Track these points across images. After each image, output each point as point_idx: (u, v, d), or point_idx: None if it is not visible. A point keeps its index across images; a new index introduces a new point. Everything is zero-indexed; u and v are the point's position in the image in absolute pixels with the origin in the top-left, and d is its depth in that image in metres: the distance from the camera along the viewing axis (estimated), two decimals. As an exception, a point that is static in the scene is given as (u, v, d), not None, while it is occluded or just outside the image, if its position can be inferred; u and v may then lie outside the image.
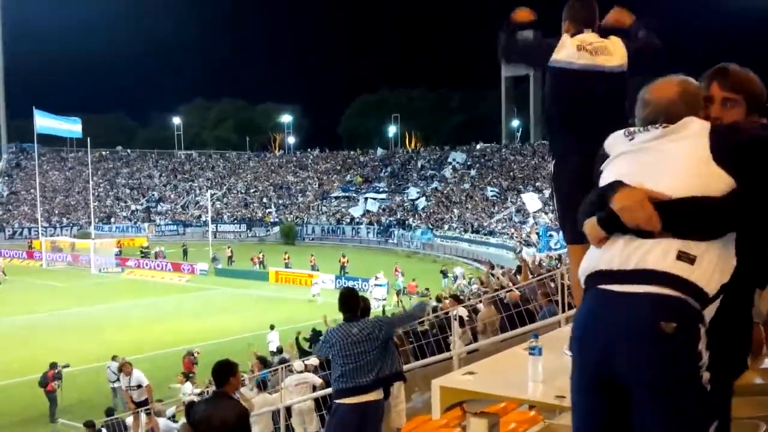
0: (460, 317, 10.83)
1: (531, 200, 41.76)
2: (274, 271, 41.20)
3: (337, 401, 6.00)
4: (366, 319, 6.22)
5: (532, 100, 75.21)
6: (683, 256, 2.06)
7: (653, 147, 2.23)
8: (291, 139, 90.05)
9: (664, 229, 2.08)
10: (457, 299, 13.67)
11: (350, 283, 36.79)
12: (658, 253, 2.08)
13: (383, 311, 23.51)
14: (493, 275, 20.55)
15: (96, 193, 64.15)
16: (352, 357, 5.93)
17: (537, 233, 39.48)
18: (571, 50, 3.67)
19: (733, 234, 2.13)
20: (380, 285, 31.72)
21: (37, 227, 57.98)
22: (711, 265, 2.08)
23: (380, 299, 29.71)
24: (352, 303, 6.11)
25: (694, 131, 2.20)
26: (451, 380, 3.65)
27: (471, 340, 10.64)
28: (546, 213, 43.65)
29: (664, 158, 2.19)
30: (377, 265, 39.53)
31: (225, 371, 5.93)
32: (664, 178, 2.14)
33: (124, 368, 14.42)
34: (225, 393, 5.88)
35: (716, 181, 2.10)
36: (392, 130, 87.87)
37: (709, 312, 2.11)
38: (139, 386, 14.09)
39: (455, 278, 32.80)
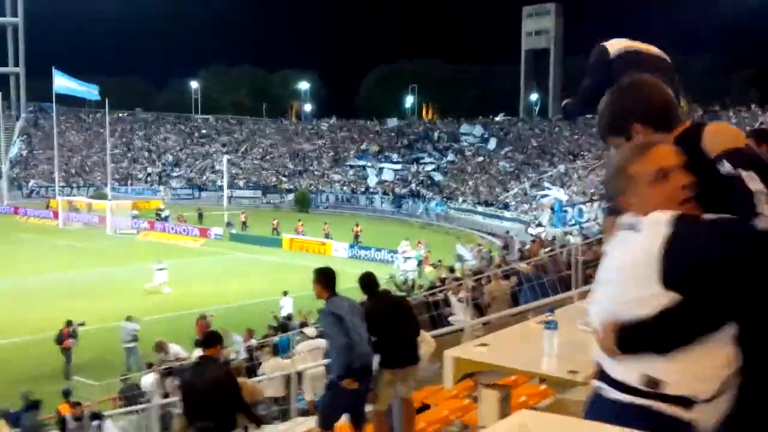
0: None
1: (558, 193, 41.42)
2: (288, 238, 41.35)
3: (341, 374, 6.05)
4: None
5: (551, 74, 74.53)
6: (646, 381, 1.89)
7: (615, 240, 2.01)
8: (308, 107, 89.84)
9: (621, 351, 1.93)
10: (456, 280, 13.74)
11: (364, 252, 36.96)
12: (624, 370, 1.94)
13: (413, 285, 23.39)
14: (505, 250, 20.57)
15: (113, 155, 64.39)
16: (353, 327, 6.03)
17: (551, 208, 39.35)
18: (623, 41, 3.74)
19: (724, 330, 1.88)
20: (409, 258, 31.59)
21: (54, 186, 58.35)
22: (687, 375, 1.87)
23: (410, 271, 29.61)
24: (335, 279, 6.32)
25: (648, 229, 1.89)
26: (464, 351, 3.67)
27: (473, 315, 10.72)
28: (563, 186, 43.40)
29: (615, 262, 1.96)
30: (391, 235, 39.59)
31: (216, 338, 6.68)
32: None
33: (161, 347, 14.32)
34: (211, 357, 6.43)
35: (657, 300, 1.85)
36: (409, 100, 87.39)
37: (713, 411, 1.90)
38: (178, 360, 14.10)
39: (459, 258, 31.90)
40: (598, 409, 2.01)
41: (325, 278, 6.28)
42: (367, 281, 6.75)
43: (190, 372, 6.54)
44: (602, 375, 2.01)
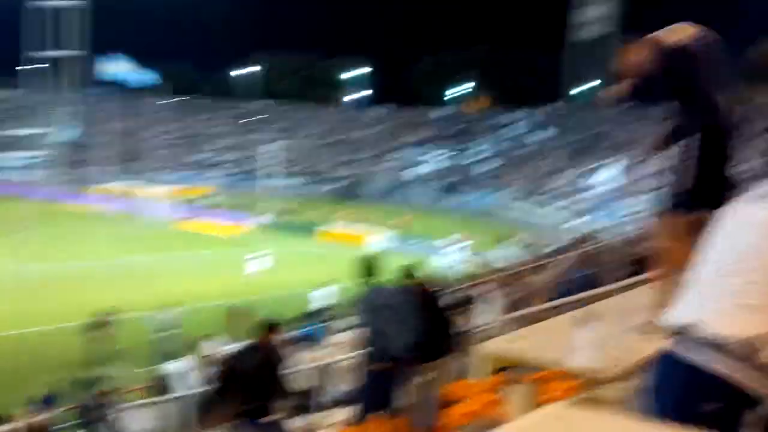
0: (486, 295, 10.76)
1: (606, 172, 40.49)
2: (332, 228, 41.49)
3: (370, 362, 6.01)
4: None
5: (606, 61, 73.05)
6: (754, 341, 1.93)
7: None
8: (358, 95, 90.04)
9: None
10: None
11: (409, 244, 36.83)
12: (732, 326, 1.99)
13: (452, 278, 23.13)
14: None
15: (165, 141, 65.49)
16: (385, 317, 6.00)
17: (599, 200, 38.64)
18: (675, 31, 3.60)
19: None
20: (453, 252, 31.30)
21: (107, 172, 59.59)
22: None
23: (453, 265, 29.32)
24: (376, 269, 6.36)
25: None
26: (495, 345, 3.59)
27: (507, 310, 10.61)
28: (612, 179, 42.50)
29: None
30: (437, 227, 39.41)
31: (272, 327, 6.79)
32: None
33: (195, 347, 14.35)
34: (262, 344, 6.60)
35: None
36: (461, 88, 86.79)
37: None
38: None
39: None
40: (670, 373, 2.01)
41: (365, 268, 6.27)
42: (403, 274, 6.72)
43: (237, 357, 6.66)
44: (683, 339, 1.99)
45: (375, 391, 6.19)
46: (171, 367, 13.51)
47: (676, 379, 1.97)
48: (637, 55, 3.73)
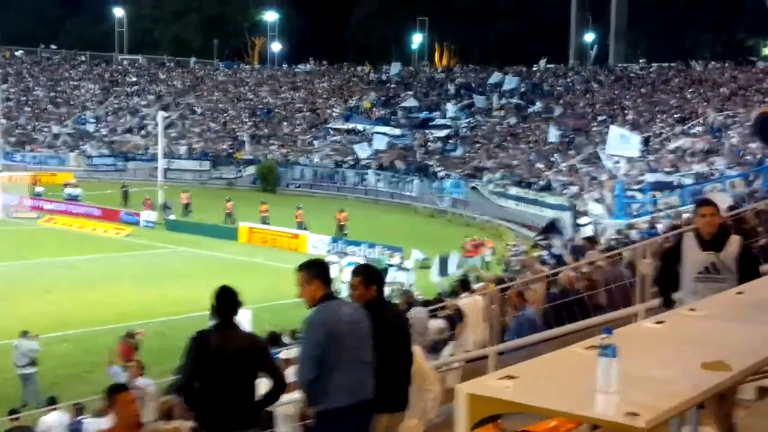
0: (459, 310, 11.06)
1: (618, 140, 40.96)
2: (247, 227, 41.43)
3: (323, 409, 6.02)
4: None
5: (613, 6, 74.27)
6: None
7: None
8: (276, 47, 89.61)
9: None
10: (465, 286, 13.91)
11: (351, 249, 36.93)
12: None
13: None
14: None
15: (5, 108, 64.23)
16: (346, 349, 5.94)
17: (612, 192, 39.29)
18: None
19: None
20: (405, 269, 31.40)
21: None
22: None
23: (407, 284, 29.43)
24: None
25: None
26: (483, 386, 3.67)
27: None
28: (630, 162, 43.23)
29: None
30: (388, 226, 39.49)
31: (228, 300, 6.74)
32: None
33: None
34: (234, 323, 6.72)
35: None
36: (417, 39, 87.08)
37: None
38: None
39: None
40: None
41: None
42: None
43: (215, 339, 6.61)
44: None
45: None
46: (45, 416, 13.44)
47: None
48: None
